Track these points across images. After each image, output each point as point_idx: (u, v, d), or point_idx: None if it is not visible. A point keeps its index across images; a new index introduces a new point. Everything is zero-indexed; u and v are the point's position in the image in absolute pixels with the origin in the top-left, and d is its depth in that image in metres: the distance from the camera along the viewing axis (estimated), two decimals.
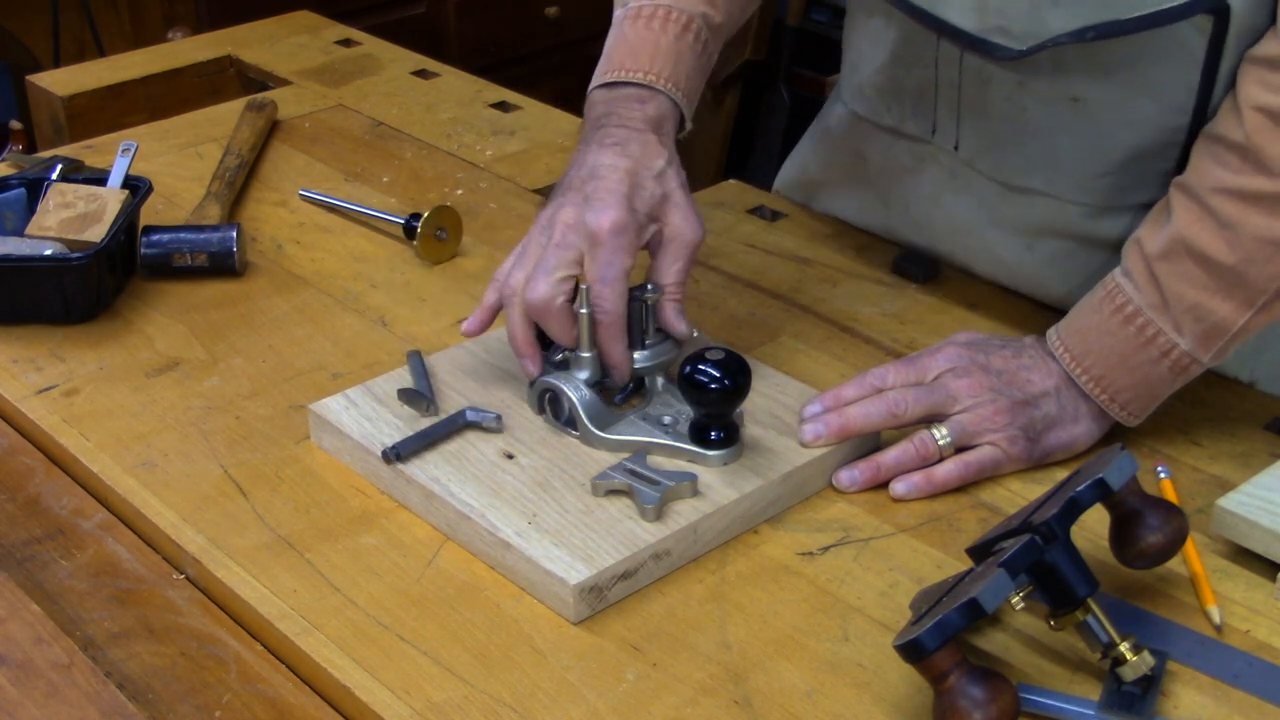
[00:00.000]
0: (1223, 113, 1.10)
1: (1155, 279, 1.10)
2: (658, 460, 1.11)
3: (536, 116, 1.79)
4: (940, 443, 1.12)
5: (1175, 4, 1.10)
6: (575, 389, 1.14)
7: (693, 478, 1.08)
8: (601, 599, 1.02)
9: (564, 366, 1.17)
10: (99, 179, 1.45)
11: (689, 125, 1.24)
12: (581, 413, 1.13)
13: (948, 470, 1.12)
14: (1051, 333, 1.15)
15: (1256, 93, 1.07)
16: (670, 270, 1.16)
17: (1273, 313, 1.09)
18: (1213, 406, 1.22)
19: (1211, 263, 1.08)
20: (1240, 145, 1.07)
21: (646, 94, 1.20)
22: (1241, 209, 1.06)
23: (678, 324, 1.17)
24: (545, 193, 1.61)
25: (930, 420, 1.13)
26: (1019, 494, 1.12)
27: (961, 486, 1.12)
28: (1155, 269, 1.10)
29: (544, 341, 1.22)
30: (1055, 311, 1.33)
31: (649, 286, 1.16)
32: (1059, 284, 1.29)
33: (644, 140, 1.18)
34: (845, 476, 1.12)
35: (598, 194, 1.14)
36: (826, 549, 1.08)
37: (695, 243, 1.17)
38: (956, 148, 1.32)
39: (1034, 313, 1.34)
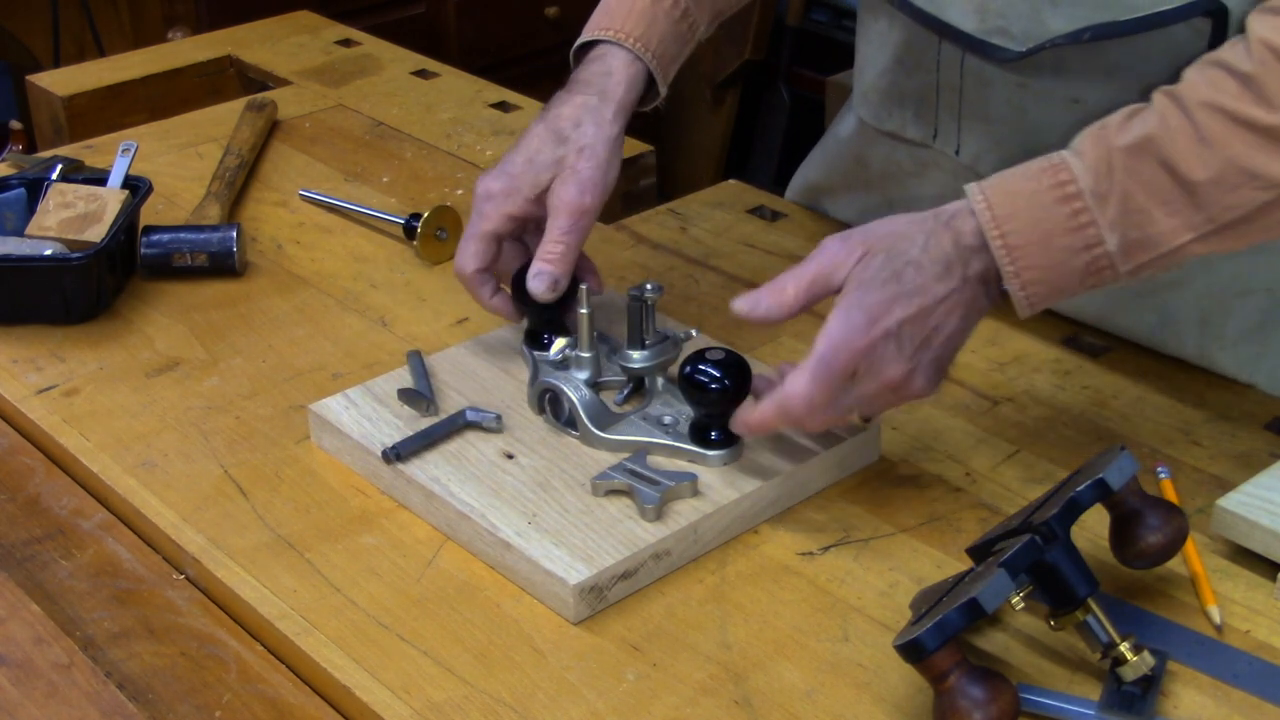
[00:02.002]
0: (1229, 44, 1.05)
1: (1110, 169, 1.03)
2: (658, 460, 1.11)
3: (539, 111, 1.79)
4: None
5: (1172, 6, 1.10)
6: (575, 389, 1.14)
7: (693, 478, 1.08)
8: (601, 599, 1.02)
9: (564, 366, 1.18)
10: (99, 179, 1.45)
11: (663, 90, 1.25)
12: (581, 413, 1.13)
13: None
14: (974, 186, 1.05)
15: (1268, 33, 1.02)
16: (550, 229, 1.18)
17: (1209, 245, 1.03)
18: (1213, 406, 1.22)
19: (1177, 174, 1.02)
20: (1245, 74, 1.01)
21: (611, 50, 1.22)
22: (1228, 129, 1.01)
23: (532, 283, 1.18)
24: None
25: None
26: (1019, 494, 1.13)
27: None
28: (1115, 160, 1.03)
29: (542, 341, 1.22)
30: (1054, 314, 1.33)
31: (648, 286, 1.16)
32: None
33: (575, 102, 1.21)
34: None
35: (501, 159, 1.21)
36: (826, 549, 1.08)
37: (575, 208, 1.18)
38: (958, 152, 1.32)
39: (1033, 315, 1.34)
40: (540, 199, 1.19)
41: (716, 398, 1.08)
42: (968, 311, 1.05)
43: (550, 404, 1.16)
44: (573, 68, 1.25)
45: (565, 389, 1.14)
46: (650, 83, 1.23)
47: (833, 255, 1.05)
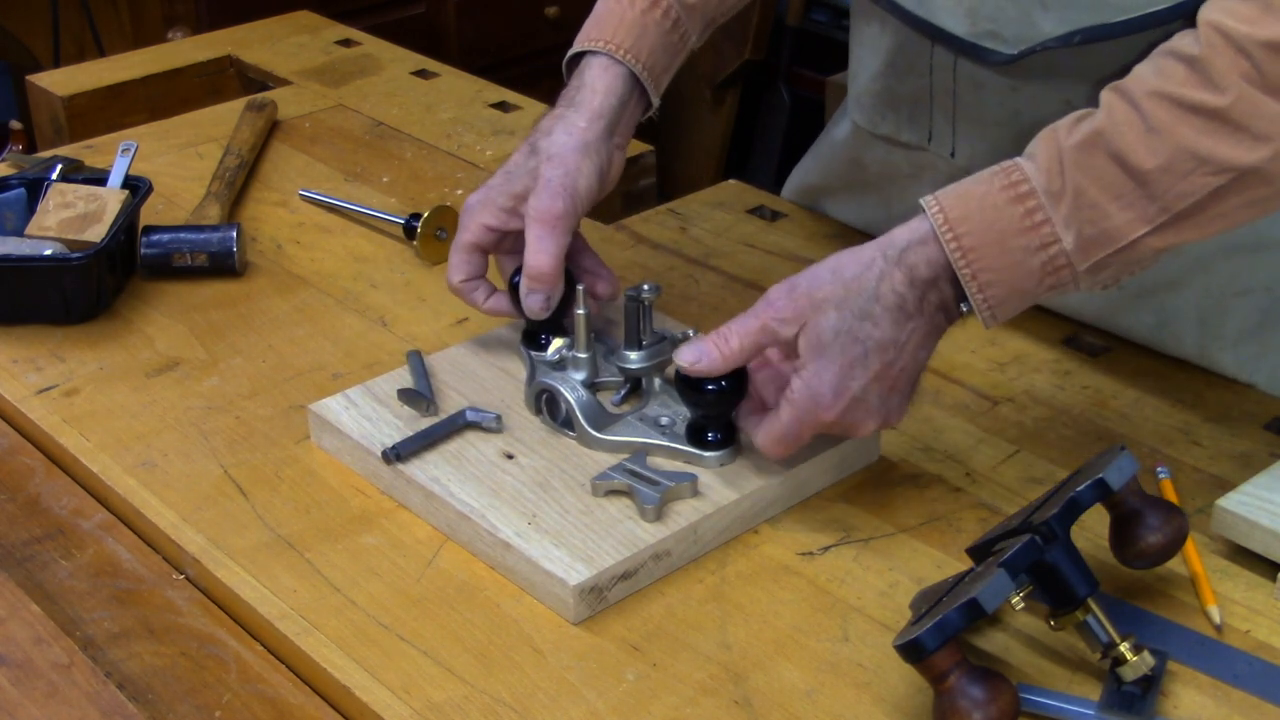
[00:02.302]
0: (1180, 34, 1.03)
1: (1062, 167, 1.02)
2: (657, 461, 1.11)
3: (536, 116, 1.78)
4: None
5: (1161, 8, 1.10)
6: (572, 390, 1.14)
7: (693, 478, 1.08)
8: (601, 599, 1.02)
9: (561, 367, 1.18)
10: (99, 179, 1.45)
11: (655, 100, 1.25)
12: (578, 414, 1.13)
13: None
14: (928, 196, 1.04)
15: (1218, 16, 1.00)
16: (529, 242, 1.18)
17: (1166, 238, 1.01)
18: (1213, 406, 1.22)
19: (1127, 165, 1.00)
20: (1191, 57, 1.00)
21: (590, 60, 1.23)
22: (1175, 115, 0.99)
23: (525, 303, 1.18)
24: None
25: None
26: (1019, 494, 1.13)
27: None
28: (1065, 157, 1.02)
29: (540, 341, 1.22)
30: (1054, 314, 1.33)
31: (645, 286, 1.16)
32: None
33: (552, 115, 1.23)
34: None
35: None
36: (826, 549, 1.08)
37: (548, 215, 1.17)
38: (953, 154, 1.32)
39: (1031, 315, 1.34)
40: (516, 209, 1.20)
41: (713, 399, 1.08)
42: (928, 341, 1.05)
43: (547, 405, 1.16)
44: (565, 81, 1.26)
45: (562, 389, 1.14)
46: (636, 85, 1.23)
47: (778, 311, 1.04)
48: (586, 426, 1.13)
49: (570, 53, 1.25)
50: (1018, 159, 1.03)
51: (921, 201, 1.04)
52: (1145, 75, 1.01)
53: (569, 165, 1.19)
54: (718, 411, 1.10)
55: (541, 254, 1.17)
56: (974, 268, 1.02)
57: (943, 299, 1.04)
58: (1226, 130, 0.97)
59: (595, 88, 1.22)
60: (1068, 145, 1.01)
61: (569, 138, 1.20)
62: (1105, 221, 1.01)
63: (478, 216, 1.21)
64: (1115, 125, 1.00)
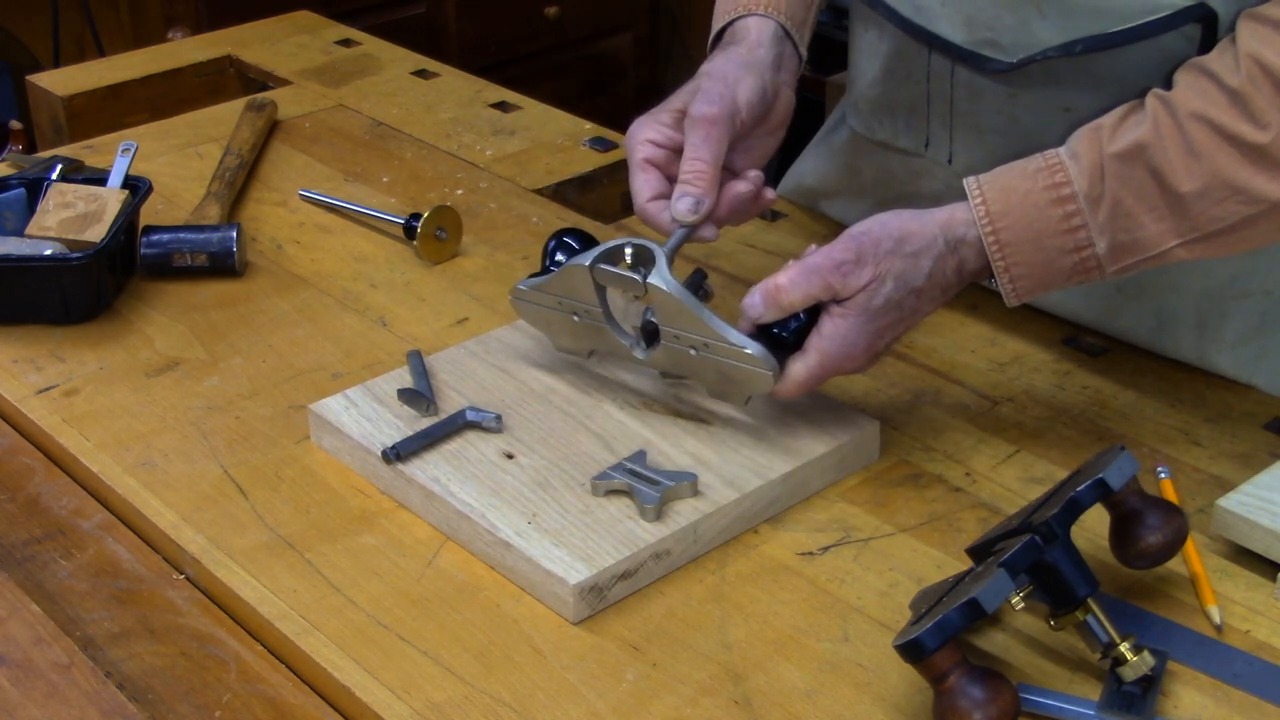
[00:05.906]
0: (1219, 51, 1.07)
1: (1103, 173, 1.06)
2: (657, 460, 1.11)
3: (536, 116, 1.79)
4: None
5: (1162, 15, 1.10)
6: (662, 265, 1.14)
7: (693, 478, 1.08)
8: (601, 599, 1.02)
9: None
10: (99, 179, 1.45)
11: (803, 52, 1.28)
12: (666, 257, 1.13)
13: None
14: (972, 181, 1.10)
15: (1256, 45, 1.03)
16: (686, 149, 1.18)
17: (1194, 251, 1.06)
18: (1213, 406, 1.22)
19: (1165, 183, 1.04)
20: (1233, 89, 1.03)
21: (739, 22, 1.25)
22: (1215, 142, 1.03)
23: (676, 205, 1.17)
24: (545, 192, 1.61)
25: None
26: (1019, 494, 1.13)
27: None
28: (1107, 165, 1.06)
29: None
30: (1052, 316, 1.33)
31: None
32: (1054, 293, 1.29)
33: (711, 56, 1.25)
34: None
35: None
36: (826, 549, 1.08)
37: (705, 120, 1.18)
38: (950, 161, 1.32)
39: (1032, 316, 1.34)
40: (677, 123, 1.20)
41: (794, 338, 1.11)
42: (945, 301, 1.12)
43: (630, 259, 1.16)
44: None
45: (654, 249, 1.14)
46: (786, 35, 1.26)
47: (844, 276, 1.08)
48: (666, 270, 1.13)
49: (714, 32, 1.27)
50: (1061, 154, 1.08)
51: (965, 185, 1.09)
52: (1189, 93, 1.05)
53: (728, 78, 1.20)
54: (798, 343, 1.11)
55: (699, 161, 1.18)
56: (1008, 261, 1.08)
57: (977, 278, 1.11)
58: (1265, 165, 1.02)
59: (749, 28, 1.24)
60: (1110, 152, 1.06)
61: (726, 62, 1.22)
62: (1139, 231, 1.05)
63: (641, 133, 1.21)
64: (1159, 140, 1.05)
